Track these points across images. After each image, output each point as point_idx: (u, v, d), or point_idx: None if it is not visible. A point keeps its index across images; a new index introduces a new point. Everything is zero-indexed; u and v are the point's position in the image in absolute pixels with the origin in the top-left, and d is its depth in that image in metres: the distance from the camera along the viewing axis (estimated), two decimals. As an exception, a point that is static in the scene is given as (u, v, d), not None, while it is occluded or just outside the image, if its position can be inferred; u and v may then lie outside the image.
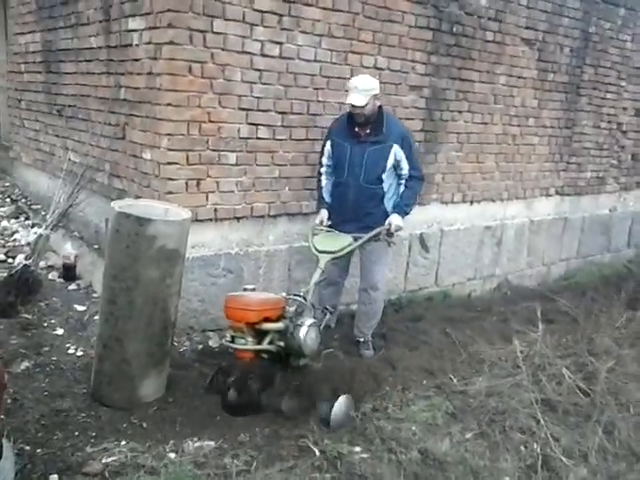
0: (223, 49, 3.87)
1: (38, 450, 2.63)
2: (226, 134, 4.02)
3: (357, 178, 3.99)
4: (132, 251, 3.03)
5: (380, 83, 4.76)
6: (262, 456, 2.86)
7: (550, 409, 3.59)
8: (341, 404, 3.22)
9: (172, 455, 2.77)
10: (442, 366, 4.08)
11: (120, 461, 2.68)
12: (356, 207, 4.02)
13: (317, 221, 4.10)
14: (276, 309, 3.31)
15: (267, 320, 3.25)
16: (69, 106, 5.08)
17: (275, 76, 4.16)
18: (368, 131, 3.97)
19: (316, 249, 3.82)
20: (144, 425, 3.01)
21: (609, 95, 6.66)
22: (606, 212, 7.23)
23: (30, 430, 2.57)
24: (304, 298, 3.51)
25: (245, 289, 3.44)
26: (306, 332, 3.26)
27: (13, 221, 5.47)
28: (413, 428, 3.28)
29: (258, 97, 4.12)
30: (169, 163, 3.84)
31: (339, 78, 4.44)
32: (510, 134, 5.84)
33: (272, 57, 4.09)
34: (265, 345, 3.26)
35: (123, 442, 2.84)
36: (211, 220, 4.08)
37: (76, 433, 2.88)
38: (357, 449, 3.02)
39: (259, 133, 4.19)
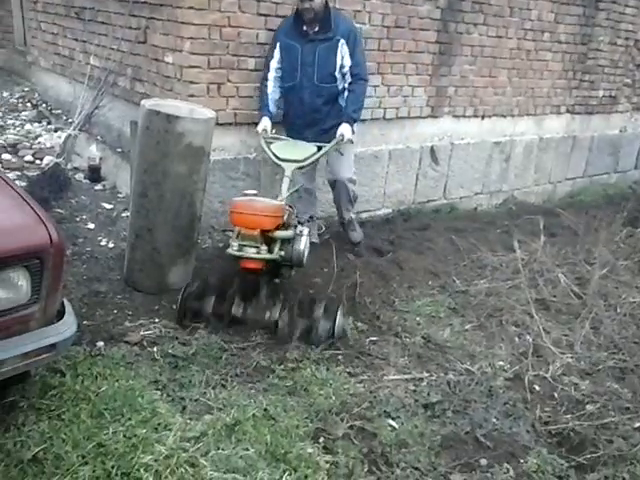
0: (243, -49, 3.88)
1: (84, 322, 2.95)
2: (245, 39, 4.11)
3: (311, 78, 3.92)
4: (161, 147, 3.24)
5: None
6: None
7: (544, 308, 3.90)
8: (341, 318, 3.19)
9: (202, 331, 3.08)
10: (446, 269, 4.37)
11: (156, 334, 3.02)
12: (313, 109, 3.97)
13: (259, 129, 3.88)
14: (284, 216, 3.19)
15: (278, 228, 3.10)
16: (87, 9, 5.10)
17: (293, -19, 4.19)
18: (317, 29, 3.89)
19: (278, 157, 3.59)
20: (174, 307, 3.30)
21: (628, 10, 6.54)
22: (616, 132, 7.27)
23: (75, 306, 2.85)
24: (290, 206, 3.37)
25: (246, 194, 3.29)
26: (305, 242, 3.19)
27: (36, 125, 5.61)
28: (417, 319, 3.61)
29: (277, 2, 4.16)
30: (191, 66, 3.95)
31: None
32: (524, 49, 5.82)
33: (291, -39, 4.10)
34: (276, 254, 3.05)
35: (157, 320, 3.17)
36: (231, 124, 4.22)
37: (115, 311, 3.21)
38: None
39: (277, 39, 4.25)
